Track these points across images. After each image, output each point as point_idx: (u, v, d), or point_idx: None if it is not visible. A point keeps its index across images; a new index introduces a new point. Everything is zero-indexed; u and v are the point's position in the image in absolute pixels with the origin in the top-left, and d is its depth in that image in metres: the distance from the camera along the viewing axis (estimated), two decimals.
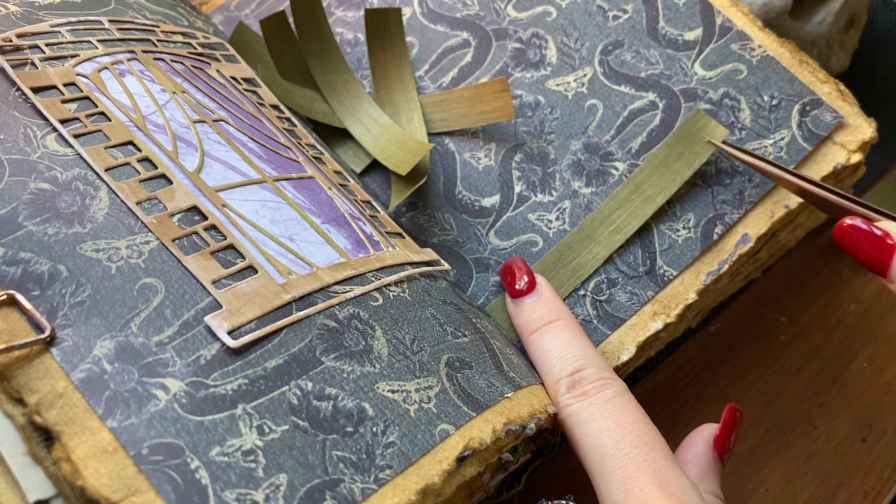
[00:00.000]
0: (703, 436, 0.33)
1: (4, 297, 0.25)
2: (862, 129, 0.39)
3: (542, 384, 0.34)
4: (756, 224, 0.38)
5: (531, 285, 0.36)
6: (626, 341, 0.36)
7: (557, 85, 0.41)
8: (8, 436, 0.24)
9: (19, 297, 0.25)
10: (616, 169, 0.39)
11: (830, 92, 0.40)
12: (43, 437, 0.24)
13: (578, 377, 0.32)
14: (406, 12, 0.43)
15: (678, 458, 0.32)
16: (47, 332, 0.24)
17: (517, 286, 0.36)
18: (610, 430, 0.29)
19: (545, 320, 0.34)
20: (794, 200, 0.38)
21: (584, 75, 0.41)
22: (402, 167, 0.38)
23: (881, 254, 0.30)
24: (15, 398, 0.24)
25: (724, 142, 0.38)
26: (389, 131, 0.40)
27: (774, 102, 0.39)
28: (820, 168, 0.39)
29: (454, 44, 0.42)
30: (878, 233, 0.30)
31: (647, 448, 0.28)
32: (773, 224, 0.38)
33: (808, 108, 0.39)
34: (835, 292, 0.45)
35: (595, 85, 0.41)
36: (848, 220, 0.31)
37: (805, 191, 0.34)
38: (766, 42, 0.41)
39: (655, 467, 0.28)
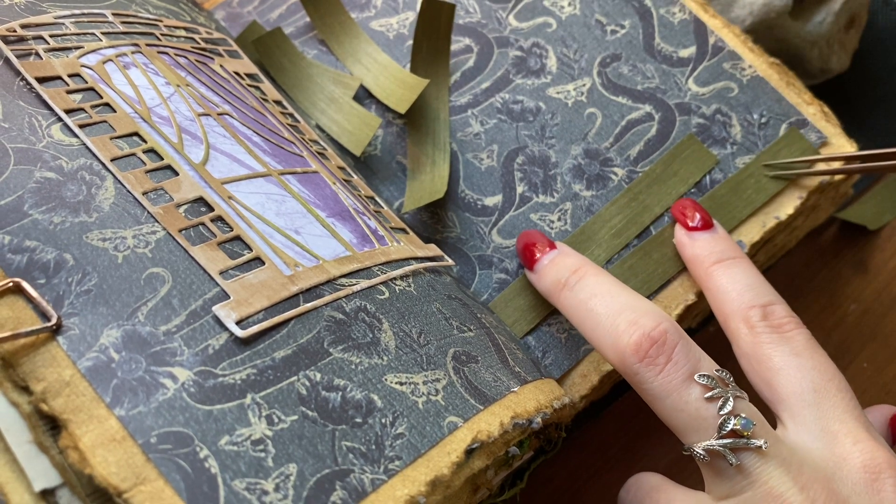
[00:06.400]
0: (883, 412, 0.34)
1: (10, 284, 0.24)
2: (844, 148, 0.40)
3: (546, 379, 0.34)
4: (749, 232, 0.39)
5: (706, 223, 0.36)
6: None
7: (558, 93, 0.41)
8: (13, 424, 0.23)
9: (25, 284, 0.25)
10: (615, 174, 0.40)
11: (815, 113, 0.41)
12: (49, 426, 0.23)
13: (771, 310, 0.33)
14: (408, 17, 0.43)
15: None
16: (53, 321, 0.24)
17: (690, 223, 0.36)
18: (817, 369, 0.31)
19: (728, 255, 0.35)
20: (784, 212, 0.39)
21: (584, 85, 0.41)
22: (402, 105, 0.39)
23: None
24: (21, 386, 0.24)
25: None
26: (388, 69, 0.41)
27: (763, 120, 0.41)
28: (806, 183, 0.40)
29: (456, 49, 0.42)
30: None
31: (850, 395, 0.31)
32: (766, 233, 0.39)
33: (794, 127, 0.41)
34: (835, 292, 0.46)
35: (594, 94, 0.41)
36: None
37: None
38: (756, 63, 0.42)
39: (858, 412, 0.31)
